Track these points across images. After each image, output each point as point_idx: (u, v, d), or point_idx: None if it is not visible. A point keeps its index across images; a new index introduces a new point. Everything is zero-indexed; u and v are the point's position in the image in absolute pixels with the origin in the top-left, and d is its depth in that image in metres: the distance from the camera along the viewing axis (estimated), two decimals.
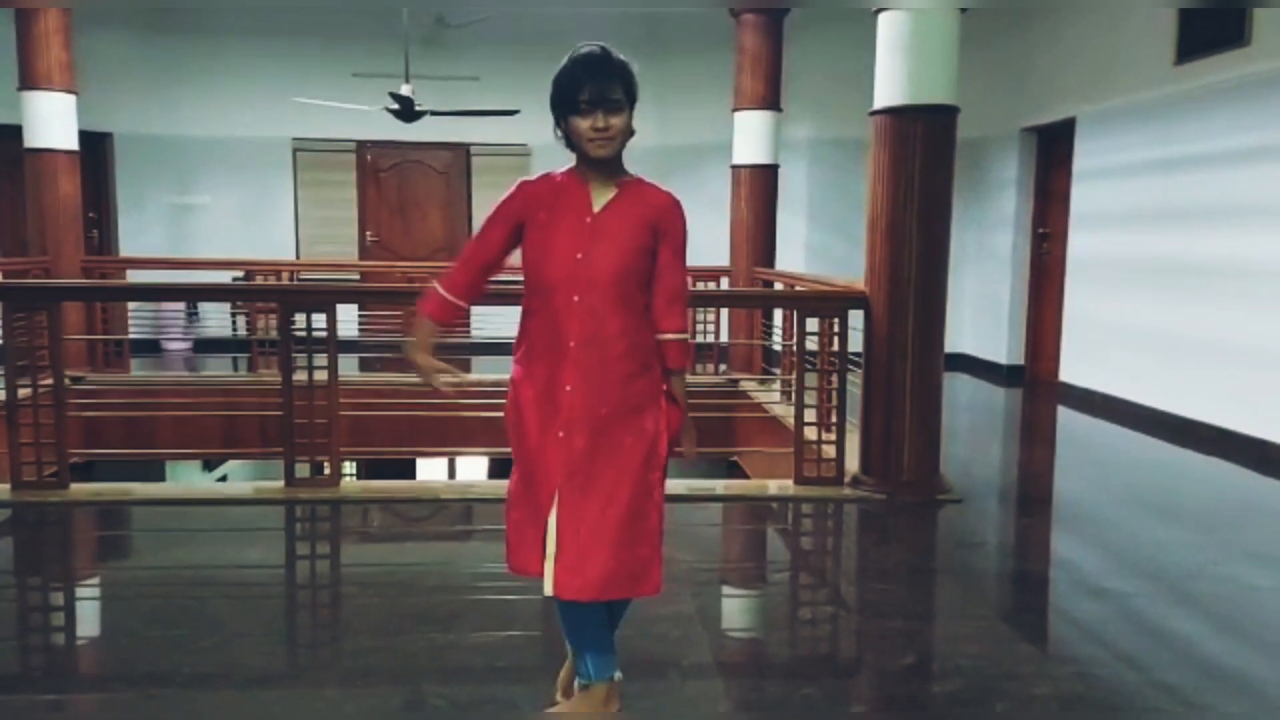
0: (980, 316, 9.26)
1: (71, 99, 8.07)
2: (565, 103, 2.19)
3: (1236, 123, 5.96)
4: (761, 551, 4.62)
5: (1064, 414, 7.37)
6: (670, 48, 10.01)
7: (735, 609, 3.83)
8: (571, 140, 2.24)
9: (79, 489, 4.77)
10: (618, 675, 2.45)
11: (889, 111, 4.65)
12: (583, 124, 2.18)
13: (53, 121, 7.97)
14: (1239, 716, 2.71)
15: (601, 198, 2.26)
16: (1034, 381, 8.58)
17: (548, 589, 2.24)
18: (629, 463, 2.26)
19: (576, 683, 2.47)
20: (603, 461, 2.25)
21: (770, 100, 8.39)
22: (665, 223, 2.28)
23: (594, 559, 2.23)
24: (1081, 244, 7.70)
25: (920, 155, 4.58)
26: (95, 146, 9.71)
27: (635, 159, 2.36)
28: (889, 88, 4.65)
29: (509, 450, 2.37)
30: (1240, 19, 5.81)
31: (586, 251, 2.21)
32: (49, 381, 4.71)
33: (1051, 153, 8.39)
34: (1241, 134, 5.91)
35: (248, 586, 3.79)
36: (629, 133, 2.24)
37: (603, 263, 2.21)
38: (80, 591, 3.85)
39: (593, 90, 2.16)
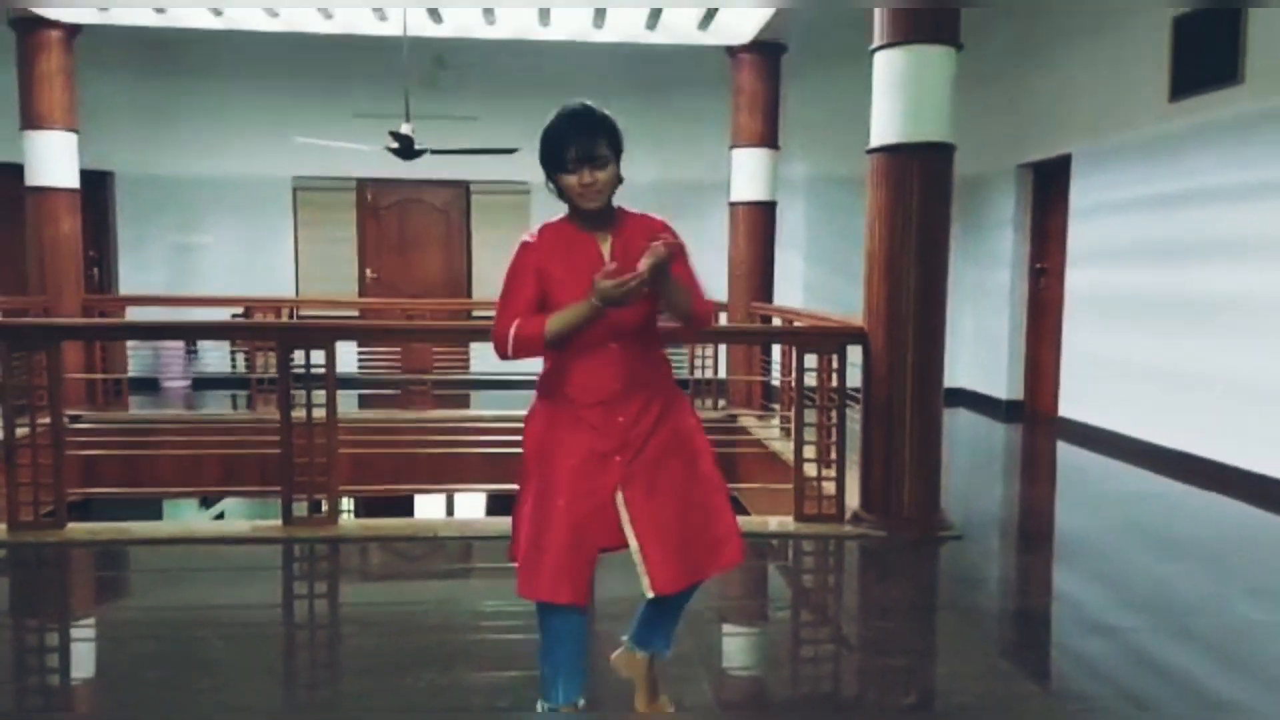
0: (979, 352, 9.27)
1: (73, 138, 8.14)
2: (553, 161, 2.30)
3: (1231, 159, 6.01)
4: (762, 589, 4.59)
5: (1063, 449, 7.37)
6: (668, 86, 10.10)
7: (736, 647, 3.81)
8: (562, 193, 2.35)
9: (76, 528, 4.74)
10: (581, 703, 2.46)
11: (886, 150, 4.68)
12: (571, 180, 2.29)
13: (54, 160, 8.03)
14: None
15: (605, 244, 2.37)
16: (1033, 416, 8.58)
17: (646, 591, 2.38)
18: (680, 463, 2.42)
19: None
20: (659, 470, 2.38)
21: (768, 138, 8.45)
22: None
23: (678, 551, 2.38)
24: (1079, 279, 7.73)
25: (917, 192, 4.62)
26: (96, 185, 9.76)
27: (634, 196, 2.39)
28: (886, 126, 4.70)
29: (512, 486, 2.39)
30: (1233, 57, 5.88)
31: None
32: (47, 420, 4.70)
33: (1048, 189, 8.45)
34: (1236, 170, 5.96)
35: (245, 627, 3.76)
36: (617, 182, 2.35)
37: (630, 309, 2.28)
38: (76, 633, 3.83)
39: (578, 148, 2.27)
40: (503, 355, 2.36)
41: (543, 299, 2.35)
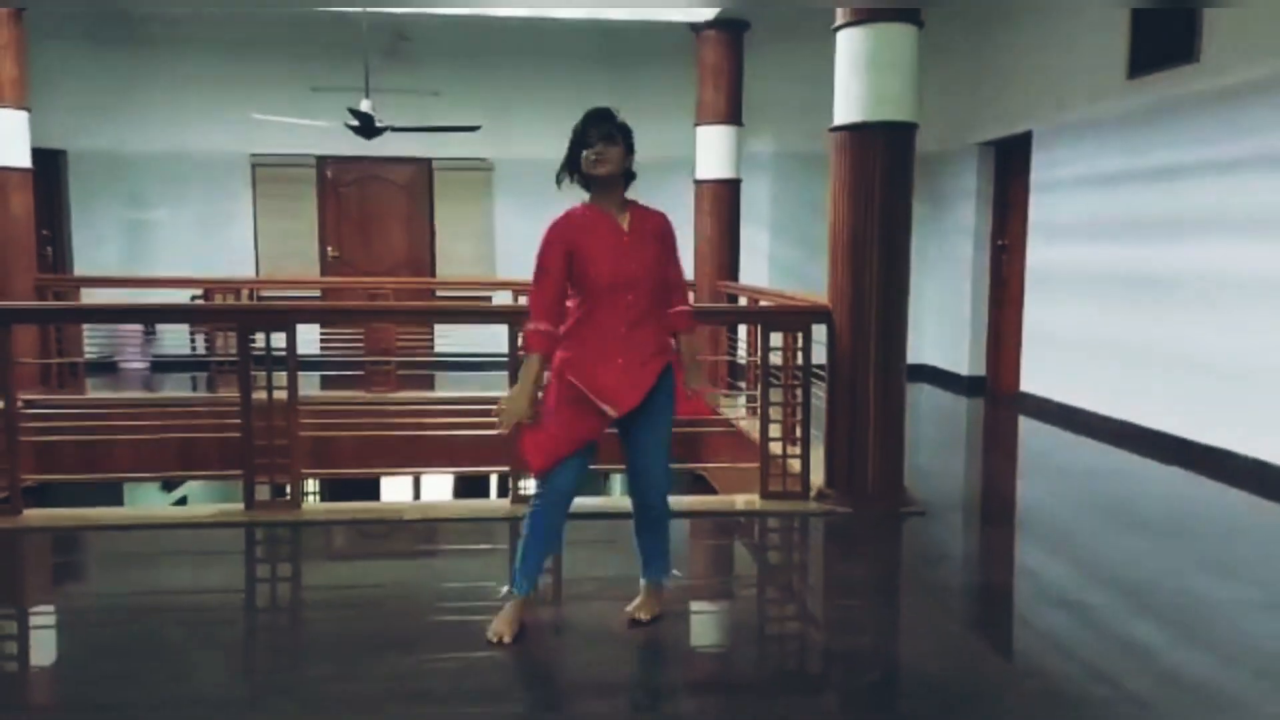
0: (941, 327, 9.34)
1: (24, 116, 7.94)
2: (577, 144, 3.06)
3: (1187, 137, 6.07)
4: (729, 567, 4.61)
5: (1025, 424, 7.45)
6: (631, 62, 10.03)
7: (702, 626, 3.80)
8: (583, 173, 3.07)
9: (32, 515, 4.66)
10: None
11: (849, 128, 4.68)
12: (588, 153, 3.03)
13: (4, 139, 7.83)
14: None
15: (624, 221, 3.11)
16: (995, 392, 8.67)
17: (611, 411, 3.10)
18: (667, 405, 3.20)
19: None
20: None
21: (732, 115, 8.42)
22: (665, 235, 3.19)
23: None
24: (1039, 255, 7.80)
25: (880, 171, 4.62)
26: (48, 164, 9.55)
27: None
28: (848, 105, 4.69)
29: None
30: (1190, 36, 5.92)
31: (631, 263, 3.05)
32: None
33: (1009, 165, 8.50)
34: (1193, 147, 6.02)
35: (205, 612, 3.72)
36: (627, 169, 3.12)
37: (643, 270, 3.08)
38: (33, 620, 3.76)
39: (594, 128, 3.06)
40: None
41: (570, 270, 3.02)
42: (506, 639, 3.12)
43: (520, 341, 3.09)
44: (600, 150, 3.03)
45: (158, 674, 3.00)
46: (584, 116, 3.09)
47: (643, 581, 3.37)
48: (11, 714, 2.86)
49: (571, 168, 3.09)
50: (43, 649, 3.53)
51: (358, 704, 2.79)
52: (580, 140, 3.05)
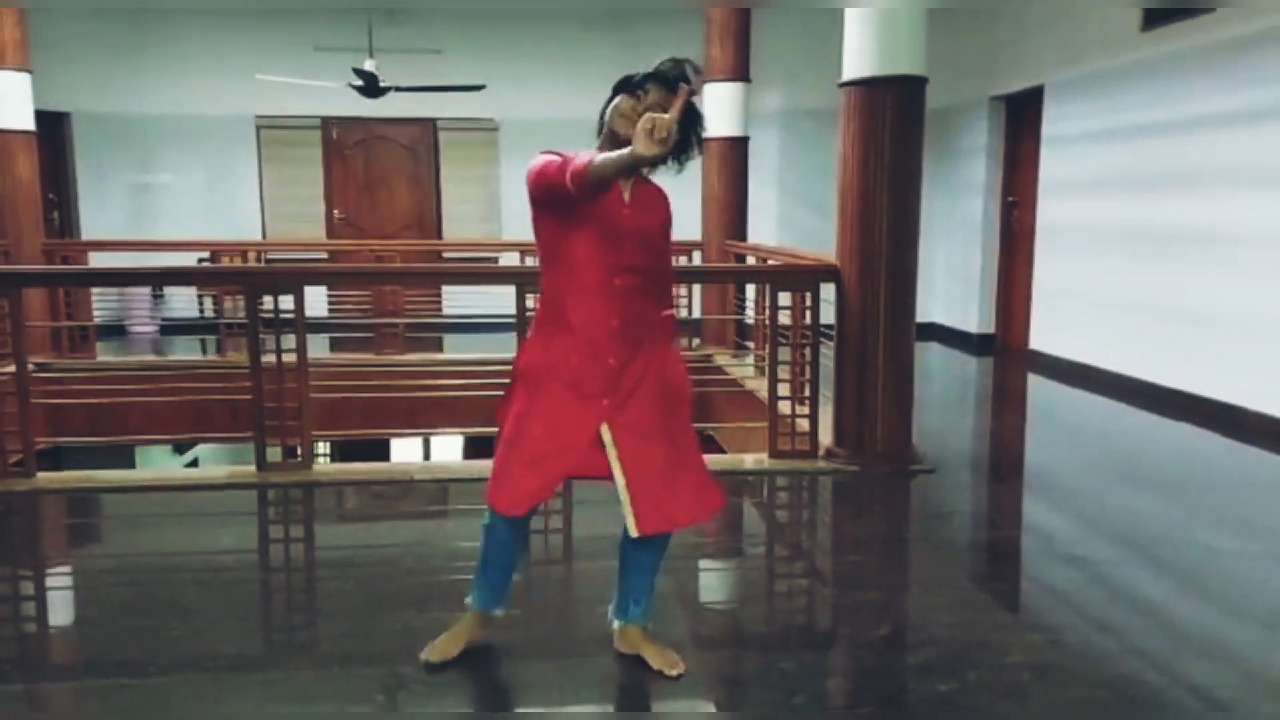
0: (951, 285, 9.30)
1: (26, 78, 7.89)
2: (629, 82, 2.41)
3: (1203, 89, 5.99)
4: (738, 525, 4.62)
5: (1034, 382, 7.43)
6: (637, 18, 9.92)
7: (712, 583, 3.84)
8: (611, 123, 2.40)
9: (46, 477, 4.69)
10: (498, 612, 2.80)
11: (858, 83, 4.62)
12: (629, 103, 2.38)
13: (8, 102, 7.79)
14: (1208, 677, 2.76)
15: (626, 189, 2.44)
16: (1004, 349, 8.65)
17: (632, 530, 2.52)
18: (665, 411, 2.53)
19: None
20: (646, 416, 2.49)
21: (740, 71, 8.33)
22: (668, 217, 2.54)
23: (664, 497, 2.52)
24: (1050, 211, 7.74)
25: (890, 126, 4.57)
26: (52, 126, 9.52)
27: None
28: (857, 59, 4.63)
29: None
30: None
31: (628, 236, 2.41)
32: (11, 369, 4.63)
33: (1020, 120, 8.41)
34: (1208, 100, 5.94)
35: (220, 572, 3.75)
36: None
37: (641, 251, 2.43)
38: (50, 581, 3.80)
39: (658, 86, 2.38)
40: (557, 185, 2.26)
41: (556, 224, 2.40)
42: (434, 659, 2.72)
43: (568, 175, 2.21)
44: (643, 112, 2.30)
45: (174, 633, 3.03)
46: (665, 63, 2.42)
47: (627, 626, 2.80)
48: (32, 672, 2.90)
49: (603, 120, 2.44)
50: (60, 609, 3.58)
51: (371, 661, 2.82)
52: (635, 79, 2.40)
